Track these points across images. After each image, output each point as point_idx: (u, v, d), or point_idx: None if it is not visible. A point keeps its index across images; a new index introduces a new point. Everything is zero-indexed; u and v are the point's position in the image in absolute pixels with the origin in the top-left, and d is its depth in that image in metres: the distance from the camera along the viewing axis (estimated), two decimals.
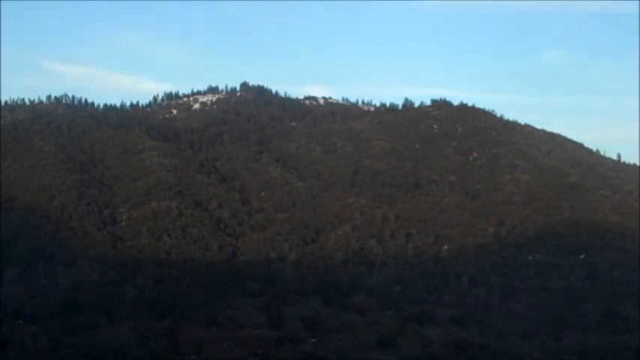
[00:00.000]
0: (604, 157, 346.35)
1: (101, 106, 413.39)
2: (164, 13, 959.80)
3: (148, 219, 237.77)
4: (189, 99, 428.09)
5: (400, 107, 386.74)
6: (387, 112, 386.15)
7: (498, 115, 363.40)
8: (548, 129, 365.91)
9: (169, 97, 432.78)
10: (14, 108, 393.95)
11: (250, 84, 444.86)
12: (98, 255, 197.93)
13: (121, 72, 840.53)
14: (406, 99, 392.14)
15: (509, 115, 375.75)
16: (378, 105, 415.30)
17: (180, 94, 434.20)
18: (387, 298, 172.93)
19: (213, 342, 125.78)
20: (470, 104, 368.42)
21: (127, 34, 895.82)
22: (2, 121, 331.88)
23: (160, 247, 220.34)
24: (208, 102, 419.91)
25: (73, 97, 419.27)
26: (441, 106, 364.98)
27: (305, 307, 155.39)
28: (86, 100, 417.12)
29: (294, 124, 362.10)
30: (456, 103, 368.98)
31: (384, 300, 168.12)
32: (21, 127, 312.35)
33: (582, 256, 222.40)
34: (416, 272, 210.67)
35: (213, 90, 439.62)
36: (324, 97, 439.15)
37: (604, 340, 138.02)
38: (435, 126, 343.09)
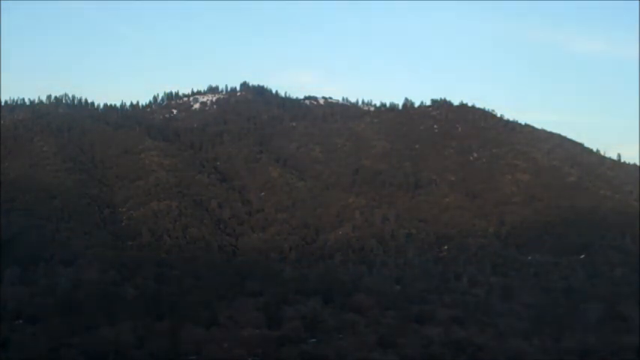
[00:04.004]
0: (604, 157, 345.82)
1: (101, 106, 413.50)
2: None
3: (148, 219, 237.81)
4: (189, 99, 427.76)
5: (400, 107, 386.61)
6: (387, 112, 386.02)
7: (498, 115, 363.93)
8: None
9: (169, 97, 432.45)
10: (14, 108, 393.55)
11: (250, 84, 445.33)
12: (98, 255, 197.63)
13: None
14: (406, 99, 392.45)
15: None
16: (378, 105, 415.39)
17: (181, 94, 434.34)
18: (387, 298, 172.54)
19: (213, 342, 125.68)
20: (470, 104, 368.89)
21: None
22: (2, 121, 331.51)
23: (160, 247, 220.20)
24: (208, 102, 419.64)
25: (73, 97, 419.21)
26: (441, 106, 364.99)
27: (305, 307, 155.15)
28: (86, 100, 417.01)
29: (294, 124, 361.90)
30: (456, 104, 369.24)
31: (384, 300, 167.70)
32: (21, 127, 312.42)
33: (582, 256, 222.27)
34: (416, 272, 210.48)
35: (213, 90, 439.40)
36: (324, 97, 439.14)
37: (604, 340, 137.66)
38: (435, 126, 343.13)
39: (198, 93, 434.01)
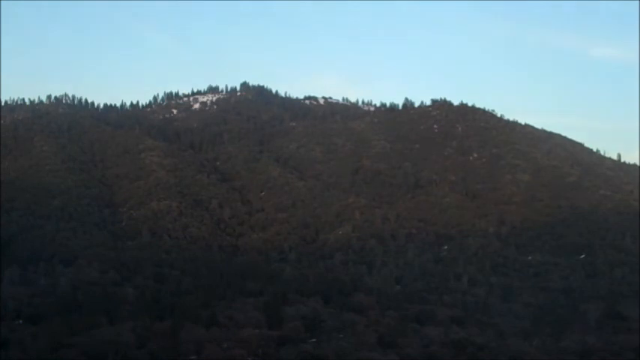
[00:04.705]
0: (604, 157, 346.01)
1: (101, 106, 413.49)
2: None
3: (148, 219, 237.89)
4: (189, 99, 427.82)
5: (400, 107, 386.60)
6: (387, 112, 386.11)
7: (498, 115, 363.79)
8: None
9: (169, 97, 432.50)
10: (14, 108, 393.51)
11: (250, 84, 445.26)
12: (98, 255, 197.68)
13: None
14: (406, 99, 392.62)
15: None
16: (378, 105, 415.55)
17: (181, 94, 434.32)
18: (387, 298, 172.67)
19: (213, 342, 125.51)
20: (470, 104, 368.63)
21: None
22: (2, 121, 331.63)
23: (160, 247, 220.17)
24: (208, 102, 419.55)
25: (73, 97, 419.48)
26: (441, 106, 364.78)
27: (305, 307, 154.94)
28: (86, 100, 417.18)
29: (294, 124, 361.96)
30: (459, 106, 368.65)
31: (384, 300, 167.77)
32: (21, 127, 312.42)
33: (582, 256, 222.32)
34: (416, 272, 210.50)
35: (213, 90, 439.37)
36: (324, 97, 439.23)
37: (604, 340, 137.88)
38: (435, 126, 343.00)
39: (198, 93, 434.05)
